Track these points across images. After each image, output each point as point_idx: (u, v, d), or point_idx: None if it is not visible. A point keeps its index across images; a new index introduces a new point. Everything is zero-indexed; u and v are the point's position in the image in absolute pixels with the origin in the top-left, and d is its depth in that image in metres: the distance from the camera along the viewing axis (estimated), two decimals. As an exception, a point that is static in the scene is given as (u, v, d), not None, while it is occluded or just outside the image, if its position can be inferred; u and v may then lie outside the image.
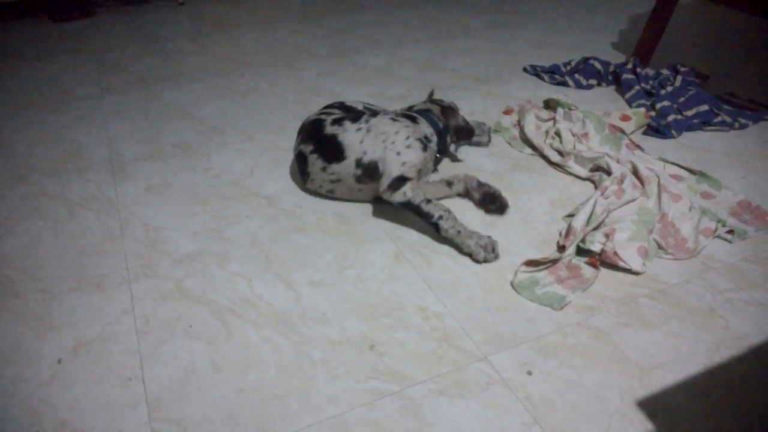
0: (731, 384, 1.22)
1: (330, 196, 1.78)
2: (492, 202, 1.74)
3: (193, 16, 3.45)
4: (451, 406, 1.17)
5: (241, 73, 2.65)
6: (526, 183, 1.87)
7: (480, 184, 1.76)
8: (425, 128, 1.74)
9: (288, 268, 1.52)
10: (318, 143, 1.72)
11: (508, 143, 2.09)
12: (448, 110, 1.88)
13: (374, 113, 1.75)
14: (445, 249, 1.59)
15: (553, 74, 2.60)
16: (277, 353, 1.28)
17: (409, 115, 1.77)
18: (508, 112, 2.28)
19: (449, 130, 1.87)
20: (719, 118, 2.18)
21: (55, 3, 3.27)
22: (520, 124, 2.15)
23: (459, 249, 1.58)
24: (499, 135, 2.15)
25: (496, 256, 1.56)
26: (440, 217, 1.56)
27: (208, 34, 3.16)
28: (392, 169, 1.60)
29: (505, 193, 1.79)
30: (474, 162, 1.97)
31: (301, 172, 1.78)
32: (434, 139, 1.75)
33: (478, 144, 2.06)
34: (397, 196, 1.58)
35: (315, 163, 1.72)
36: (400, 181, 1.59)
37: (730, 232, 1.63)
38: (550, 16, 3.44)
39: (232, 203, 1.77)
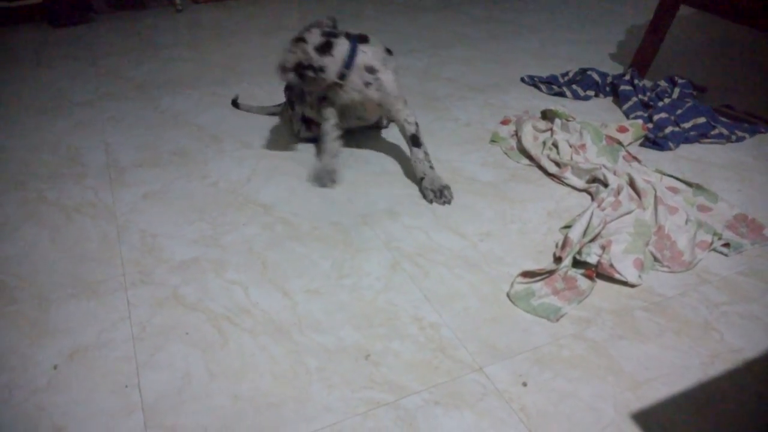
0: (725, 398, 1.23)
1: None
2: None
3: (190, 24, 3.46)
4: (446, 416, 1.17)
5: (238, 81, 2.66)
6: (523, 193, 1.87)
7: None
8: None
9: (284, 277, 1.52)
10: None
11: (505, 153, 2.09)
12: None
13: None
14: (442, 259, 1.59)
15: (551, 85, 2.61)
16: (272, 361, 1.28)
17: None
18: (505, 122, 2.29)
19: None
20: (716, 131, 2.19)
21: (54, 9, 3.27)
22: (517, 135, 2.16)
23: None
24: (496, 145, 2.15)
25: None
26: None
27: (206, 41, 3.17)
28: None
29: (502, 204, 1.80)
30: (470, 172, 1.98)
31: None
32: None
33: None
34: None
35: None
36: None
37: (726, 245, 1.64)
38: (547, 26, 3.46)
39: (229, 211, 1.77)
